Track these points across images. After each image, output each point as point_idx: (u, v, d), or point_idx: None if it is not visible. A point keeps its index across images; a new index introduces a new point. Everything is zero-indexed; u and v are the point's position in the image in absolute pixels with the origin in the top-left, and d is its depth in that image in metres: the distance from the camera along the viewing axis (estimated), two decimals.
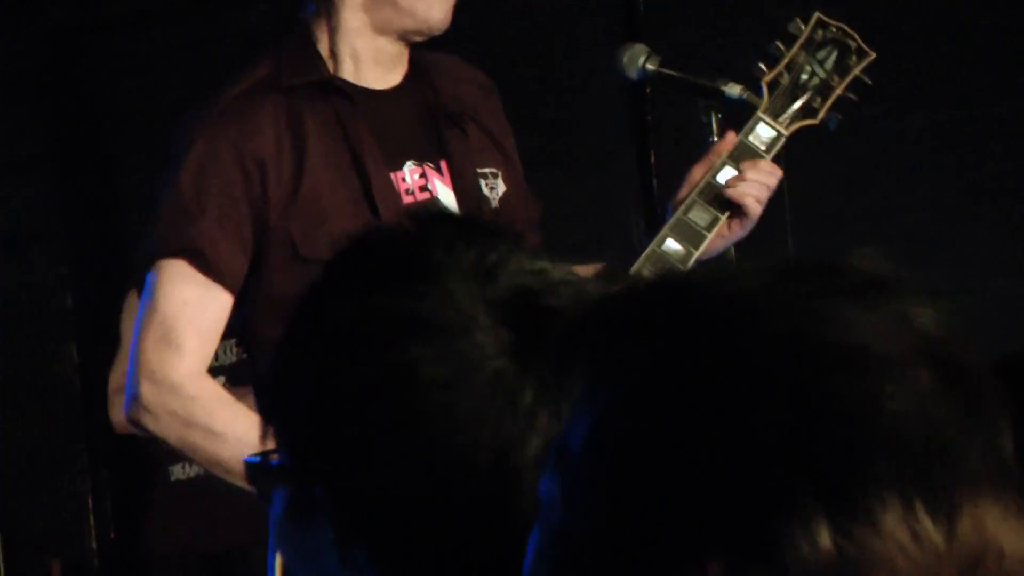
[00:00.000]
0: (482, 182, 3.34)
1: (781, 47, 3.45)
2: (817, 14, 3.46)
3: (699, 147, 3.51)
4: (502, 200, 3.36)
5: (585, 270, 3.44)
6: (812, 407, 1.03)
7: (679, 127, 3.71)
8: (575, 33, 5.41)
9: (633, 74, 3.54)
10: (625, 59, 3.52)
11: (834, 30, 3.48)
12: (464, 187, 3.30)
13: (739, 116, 3.46)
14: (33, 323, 6.12)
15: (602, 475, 1.06)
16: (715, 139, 3.49)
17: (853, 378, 1.04)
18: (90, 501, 6.07)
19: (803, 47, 3.46)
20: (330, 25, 3.24)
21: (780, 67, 3.45)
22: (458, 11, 3.32)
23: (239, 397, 3.44)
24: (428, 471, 1.38)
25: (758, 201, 3.33)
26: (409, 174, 3.28)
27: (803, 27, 3.46)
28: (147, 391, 3.19)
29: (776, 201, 3.52)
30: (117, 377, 5.27)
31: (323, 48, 3.26)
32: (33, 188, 6.13)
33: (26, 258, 6.13)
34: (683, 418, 1.04)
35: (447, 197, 3.29)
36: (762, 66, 3.45)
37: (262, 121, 3.19)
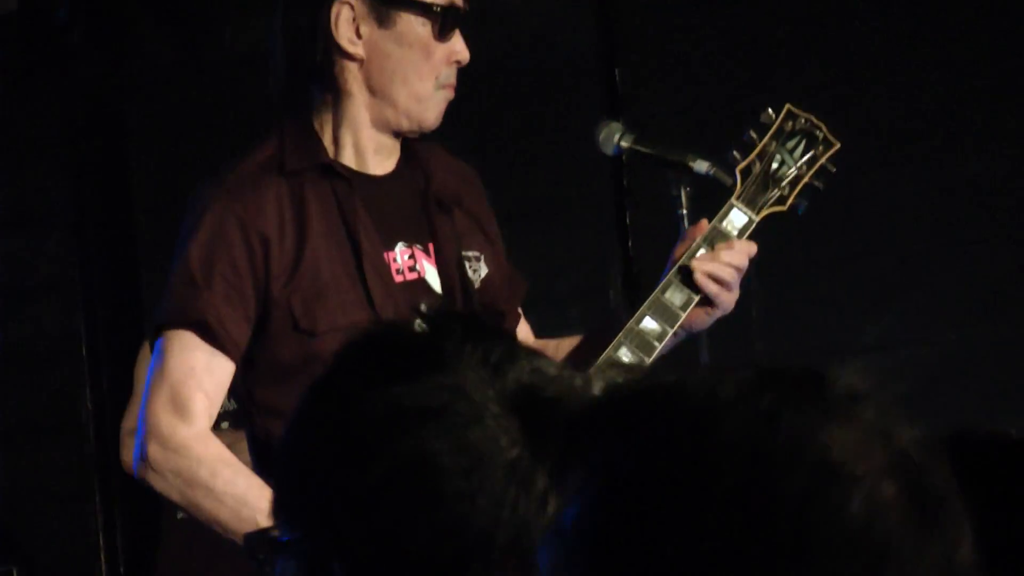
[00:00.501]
0: (466, 264, 3.36)
1: (754, 136, 3.49)
2: (788, 106, 3.50)
3: (671, 212, 3.57)
4: (484, 281, 3.39)
5: (570, 342, 3.60)
6: (770, 513, 1.06)
7: (654, 195, 3.74)
8: (561, 105, 5.49)
9: (609, 150, 3.58)
10: (602, 136, 3.57)
11: (803, 121, 3.51)
12: (448, 269, 3.33)
13: (707, 188, 3.52)
14: (50, 369, 6.15)
15: (586, 552, 1.11)
16: (684, 212, 3.51)
17: (820, 491, 1.07)
18: (101, 538, 6.08)
19: (774, 136, 3.49)
20: (335, 116, 3.29)
21: (753, 156, 3.48)
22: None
23: (240, 440, 3.50)
24: (450, 550, 1.42)
25: (721, 284, 3.35)
26: (400, 254, 3.31)
27: (774, 117, 3.50)
28: (154, 452, 3.20)
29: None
30: (130, 420, 5.35)
31: (326, 135, 3.30)
32: (52, 241, 6.17)
33: (45, 307, 6.17)
34: (651, 515, 1.08)
35: (433, 277, 3.33)
36: (736, 154, 3.49)
37: (266, 200, 3.22)
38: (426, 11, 3.25)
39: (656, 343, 3.36)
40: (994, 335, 5.20)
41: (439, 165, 3.40)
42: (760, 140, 3.48)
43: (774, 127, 3.49)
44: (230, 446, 3.48)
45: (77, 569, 6.12)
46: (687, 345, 3.59)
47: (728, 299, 3.36)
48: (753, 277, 3.58)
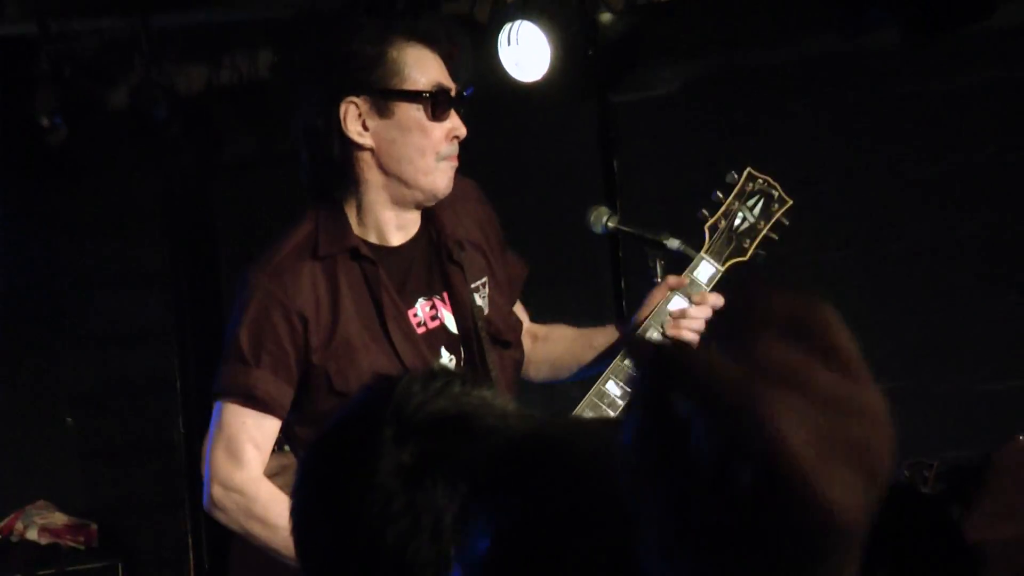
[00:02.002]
0: (476, 296, 3.32)
1: (720, 196, 3.45)
2: (748, 168, 3.47)
3: (652, 281, 3.51)
4: (490, 300, 3.36)
5: (563, 332, 3.59)
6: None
7: (644, 266, 3.55)
8: (567, 189, 5.62)
9: (598, 229, 3.61)
10: (592, 218, 3.60)
11: (761, 181, 3.47)
12: (462, 309, 3.30)
13: (680, 261, 3.46)
14: (150, 402, 6.30)
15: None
16: (659, 280, 3.46)
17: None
18: (190, 539, 6.21)
19: (737, 196, 3.45)
20: (358, 200, 3.26)
21: (719, 214, 3.43)
22: (468, 177, 3.37)
23: (288, 465, 3.57)
24: None
25: (691, 332, 3.30)
26: (420, 309, 3.28)
27: (737, 179, 3.47)
28: (217, 492, 3.20)
29: None
30: None
31: (352, 217, 3.27)
32: (156, 295, 6.32)
33: (147, 350, 6.32)
34: (537, 549, 1.10)
35: (450, 321, 3.30)
36: (705, 212, 3.45)
37: (303, 284, 3.20)
38: (417, 98, 3.20)
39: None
40: (918, 384, 5.30)
41: (445, 208, 3.33)
42: (725, 199, 3.44)
43: (736, 187, 3.45)
44: (285, 467, 3.58)
45: (170, 563, 6.21)
46: None
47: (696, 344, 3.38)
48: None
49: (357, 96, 3.21)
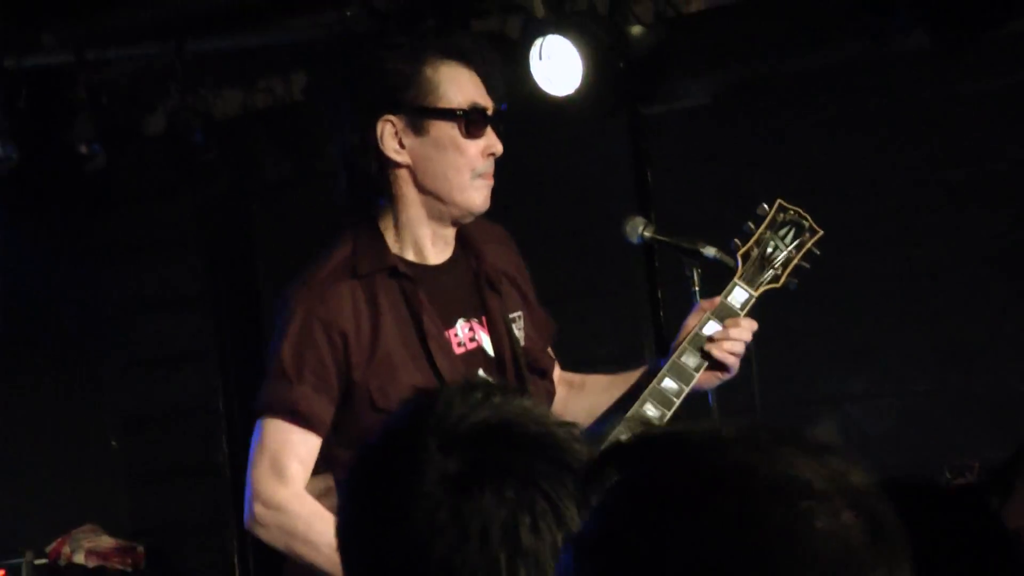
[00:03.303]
0: (513, 326, 3.35)
1: (752, 226, 3.50)
2: (779, 200, 3.51)
3: (690, 290, 3.57)
4: (525, 333, 3.38)
5: (598, 378, 3.56)
6: (752, 526, 1.08)
7: (679, 275, 3.64)
8: (605, 200, 5.63)
9: (634, 239, 3.62)
10: (628, 228, 3.60)
11: (792, 212, 3.51)
12: (499, 336, 3.32)
13: (715, 269, 3.52)
14: (194, 422, 6.33)
15: (603, 556, 1.12)
16: (696, 288, 3.53)
17: (791, 503, 1.09)
18: (236, 560, 6.23)
19: (768, 226, 3.49)
20: (395, 218, 3.27)
21: (751, 242, 3.48)
22: (504, 192, 3.35)
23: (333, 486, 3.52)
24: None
25: (734, 355, 3.35)
26: (460, 329, 3.29)
27: (768, 210, 3.51)
28: (260, 511, 3.18)
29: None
30: None
31: (389, 235, 3.27)
32: (197, 318, 6.37)
33: (189, 372, 6.36)
34: (658, 528, 1.10)
35: (488, 345, 3.31)
36: (737, 241, 3.48)
37: (343, 302, 3.19)
38: (451, 116, 3.21)
39: (675, 399, 3.34)
40: (955, 387, 5.32)
41: (484, 242, 3.37)
42: (756, 230, 3.49)
43: (768, 218, 3.50)
44: (331, 488, 3.46)
45: None
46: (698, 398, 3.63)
47: (736, 366, 3.38)
48: (754, 340, 3.52)
49: (393, 114, 3.22)
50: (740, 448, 1.12)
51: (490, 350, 3.32)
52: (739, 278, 3.45)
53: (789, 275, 3.49)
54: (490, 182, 3.27)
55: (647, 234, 3.61)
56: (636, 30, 5.23)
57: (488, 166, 3.26)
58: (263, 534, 3.22)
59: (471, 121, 3.23)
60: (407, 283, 3.25)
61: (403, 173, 3.24)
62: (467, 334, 3.30)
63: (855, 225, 5.39)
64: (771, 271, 3.48)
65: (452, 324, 3.29)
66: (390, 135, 3.22)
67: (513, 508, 1.41)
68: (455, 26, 5.45)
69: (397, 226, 3.27)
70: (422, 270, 3.28)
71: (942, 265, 5.35)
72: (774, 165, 5.52)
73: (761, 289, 3.47)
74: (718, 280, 3.54)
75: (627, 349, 5.61)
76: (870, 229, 5.42)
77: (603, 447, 1.21)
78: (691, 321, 3.42)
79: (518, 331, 3.36)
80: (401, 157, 3.23)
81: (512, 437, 1.46)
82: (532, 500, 1.42)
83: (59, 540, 6.05)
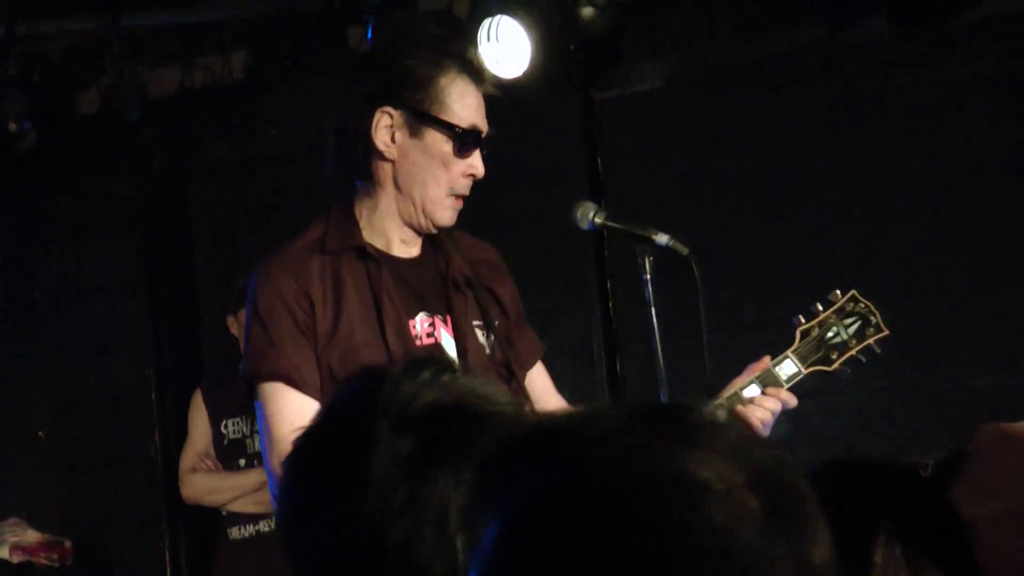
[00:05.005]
0: (480, 332, 3.37)
1: (820, 307, 3.53)
2: (853, 292, 3.57)
3: (641, 278, 3.54)
4: (492, 346, 3.39)
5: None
6: (645, 531, 1.06)
7: (629, 264, 3.69)
8: (554, 188, 5.59)
9: (585, 225, 3.61)
10: (578, 214, 3.60)
11: (863, 306, 3.56)
12: (462, 336, 3.34)
13: (668, 257, 3.51)
14: (126, 412, 6.22)
15: (498, 563, 1.11)
16: (648, 277, 3.52)
17: (687, 507, 1.07)
18: (167, 555, 6.15)
19: (836, 312, 3.53)
20: (369, 204, 3.34)
21: (814, 323, 3.51)
22: None
23: None
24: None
25: (763, 423, 3.39)
26: (420, 323, 3.32)
27: (840, 297, 3.55)
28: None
29: None
30: (186, 460, 5.60)
31: (362, 219, 3.34)
32: (127, 305, 6.25)
33: (120, 362, 6.25)
34: (548, 546, 1.08)
35: (448, 343, 3.34)
36: (801, 318, 3.52)
37: (312, 273, 3.25)
38: (450, 130, 3.27)
39: None
40: (910, 384, 5.31)
41: (457, 250, 3.41)
42: (823, 312, 3.52)
43: (837, 305, 3.54)
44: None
45: None
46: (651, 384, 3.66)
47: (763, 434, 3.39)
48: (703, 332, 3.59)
49: (394, 108, 3.28)
50: (641, 450, 1.09)
51: (452, 351, 3.33)
52: (793, 352, 3.49)
53: (843, 363, 3.53)
54: (460, 204, 3.34)
55: (598, 220, 3.59)
56: (588, 12, 5.16)
57: (466, 187, 3.33)
58: None
59: (466, 141, 3.31)
60: (372, 265, 3.30)
61: (386, 166, 3.30)
62: (425, 328, 3.33)
63: (810, 214, 5.37)
64: (825, 353, 3.52)
65: (413, 315, 3.33)
66: (385, 126, 3.28)
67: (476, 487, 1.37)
68: (401, 6, 5.43)
69: (370, 212, 3.34)
70: (389, 258, 3.34)
71: (898, 257, 5.31)
72: (729, 151, 5.48)
73: (811, 368, 3.49)
74: (670, 269, 3.51)
75: (575, 338, 5.57)
76: (826, 218, 5.38)
77: (502, 441, 1.19)
78: (737, 380, 3.45)
79: (484, 339, 3.38)
80: (389, 151, 3.29)
81: (466, 417, 1.43)
82: None
83: None
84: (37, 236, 6.31)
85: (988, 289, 5.25)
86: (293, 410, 3.19)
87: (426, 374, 1.46)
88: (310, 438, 1.49)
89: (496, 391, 1.50)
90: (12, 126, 5.60)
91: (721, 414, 1.14)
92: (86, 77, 5.94)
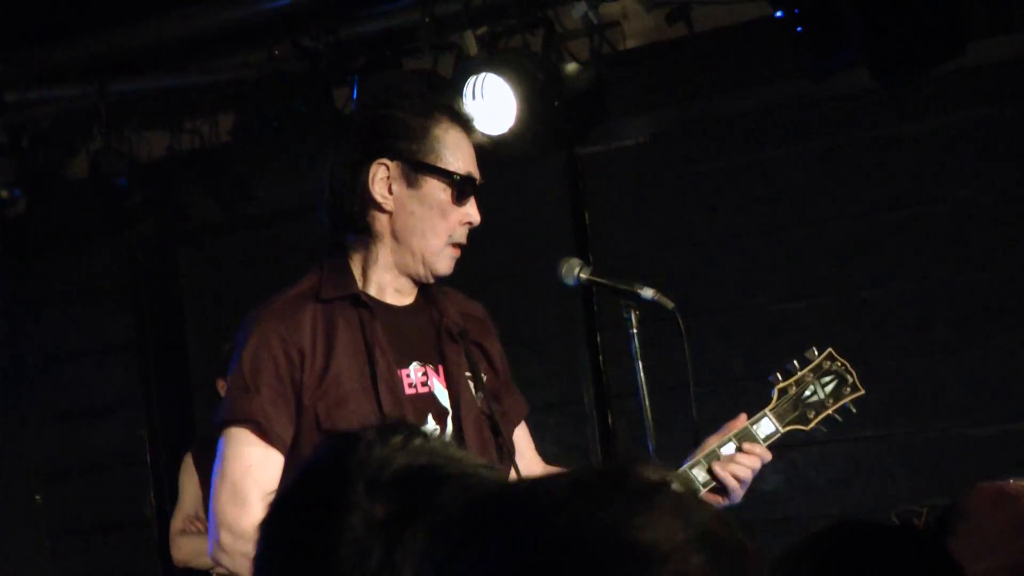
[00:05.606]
0: (471, 384, 3.36)
1: (796, 365, 3.52)
2: (829, 350, 3.54)
3: (628, 332, 3.53)
4: (483, 400, 3.38)
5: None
6: None
7: (618, 319, 3.60)
8: (541, 245, 5.61)
9: (570, 281, 3.59)
10: (563, 270, 3.58)
11: (839, 364, 3.54)
12: (455, 387, 3.33)
13: (654, 311, 3.49)
14: (120, 475, 6.22)
15: None
16: (634, 331, 3.52)
17: (641, 572, 1.07)
18: None
19: (812, 371, 3.52)
20: (365, 255, 3.33)
21: (791, 381, 3.50)
22: None
23: None
24: None
25: (737, 479, 3.37)
26: (414, 372, 3.31)
27: (816, 355, 3.53)
28: (225, 538, 3.18)
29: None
30: (177, 522, 5.58)
31: (356, 270, 3.34)
32: (121, 368, 6.26)
33: (114, 423, 6.24)
34: None
35: (441, 393, 3.33)
36: (778, 375, 3.50)
37: (304, 322, 3.25)
38: (447, 178, 3.27)
39: None
40: (902, 433, 5.30)
41: (451, 304, 3.42)
42: (800, 370, 3.51)
43: (814, 363, 3.53)
44: None
45: None
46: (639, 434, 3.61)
47: (739, 492, 3.39)
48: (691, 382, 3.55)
49: (391, 160, 3.28)
50: (588, 519, 1.10)
51: (444, 400, 3.33)
52: (770, 410, 3.48)
53: (819, 422, 3.52)
54: (458, 253, 3.33)
55: (583, 276, 3.59)
56: (571, 68, 5.19)
57: (463, 236, 3.33)
58: (227, 563, 3.20)
59: (463, 189, 3.30)
60: (365, 313, 3.31)
61: (383, 217, 3.30)
62: (420, 377, 3.33)
63: (796, 266, 5.39)
64: (803, 412, 3.51)
65: (406, 365, 3.32)
66: (382, 179, 3.28)
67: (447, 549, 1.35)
68: (386, 67, 5.47)
69: (364, 264, 3.34)
70: (384, 307, 3.34)
71: (886, 307, 5.32)
72: (714, 205, 5.50)
73: (788, 428, 3.48)
74: (656, 322, 3.51)
75: (566, 395, 5.58)
76: (812, 270, 5.39)
77: (468, 506, 1.21)
78: (712, 439, 3.44)
79: (475, 391, 3.38)
80: (386, 202, 3.29)
81: (439, 480, 1.44)
82: None
83: None
84: (29, 301, 6.32)
85: (976, 339, 5.24)
86: (253, 457, 3.19)
87: (398, 438, 1.48)
88: (285, 502, 1.50)
89: (465, 454, 1.52)
90: (3, 192, 5.62)
91: (660, 474, 1.15)
92: (75, 143, 5.97)
